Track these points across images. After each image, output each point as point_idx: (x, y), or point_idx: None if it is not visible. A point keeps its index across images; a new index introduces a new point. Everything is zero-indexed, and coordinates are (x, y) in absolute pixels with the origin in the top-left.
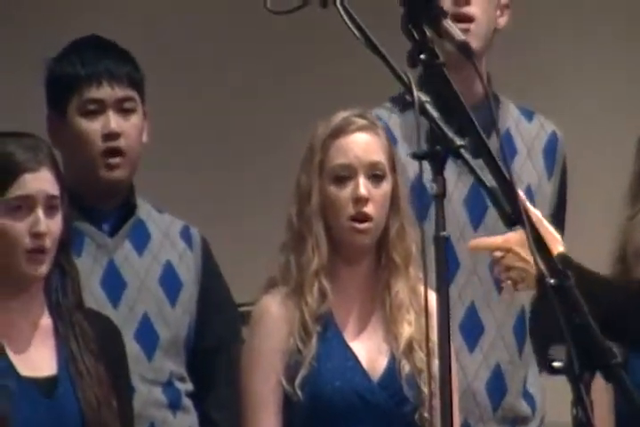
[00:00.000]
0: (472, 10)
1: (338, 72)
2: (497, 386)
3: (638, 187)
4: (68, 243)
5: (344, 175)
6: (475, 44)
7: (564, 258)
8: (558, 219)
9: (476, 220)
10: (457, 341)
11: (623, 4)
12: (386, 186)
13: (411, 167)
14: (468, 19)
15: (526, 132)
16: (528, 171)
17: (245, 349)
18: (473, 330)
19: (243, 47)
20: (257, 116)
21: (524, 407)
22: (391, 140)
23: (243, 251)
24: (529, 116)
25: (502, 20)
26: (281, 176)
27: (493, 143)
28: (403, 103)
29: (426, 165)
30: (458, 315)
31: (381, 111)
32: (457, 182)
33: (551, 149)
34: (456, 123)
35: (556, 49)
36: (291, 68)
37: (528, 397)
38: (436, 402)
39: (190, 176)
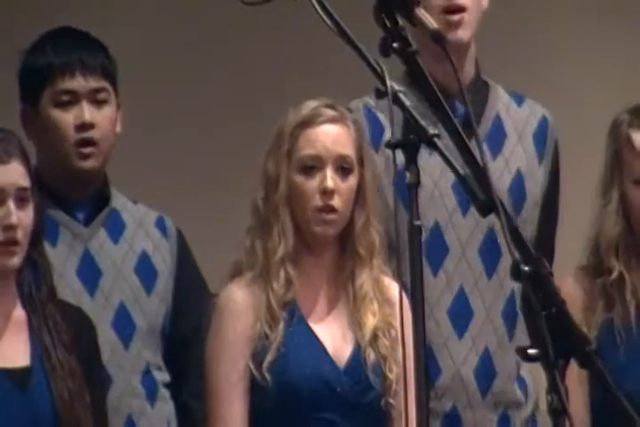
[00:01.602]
0: (464, 0)
1: (318, 65)
2: (485, 370)
3: (610, 176)
4: (41, 235)
5: (312, 166)
6: (467, 33)
7: None
8: (551, 202)
9: (465, 204)
10: (446, 327)
11: None
12: (352, 179)
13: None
14: (462, 9)
15: (516, 117)
16: (518, 155)
17: (212, 335)
18: (462, 315)
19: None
20: (232, 106)
21: (517, 392)
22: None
23: (218, 242)
24: (519, 100)
25: (485, 1)
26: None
27: (484, 128)
28: (376, 92)
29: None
30: (446, 301)
31: (369, 101)
32: (444, 168)
33: (542, 133)
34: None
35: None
36: (271, 61)
37: (521, 381)
38: (401, 388)
39: (161, 168)
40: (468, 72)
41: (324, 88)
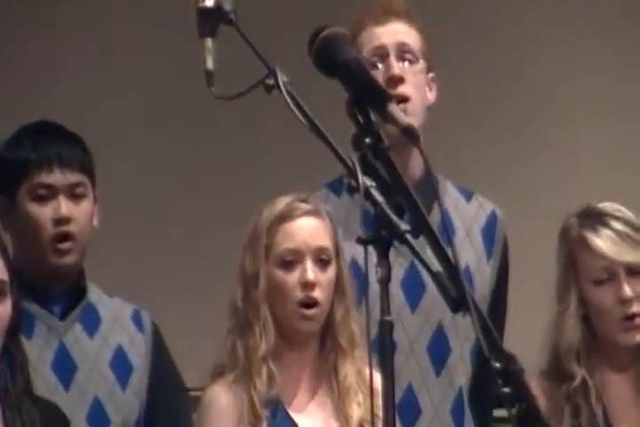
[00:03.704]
0: (407, 89)
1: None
2: None
3: (565, 280)
4: (18, 329)
5: (291, 260)
6: (414, 121)
7: None
8: (498, 299)
9: (414, 302)
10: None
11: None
12: (331, 271)
13: (347, 250)
14: (405, 99)
15: (464, 212)
16: (467, 251)
17: None
18: (410, 412)
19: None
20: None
21: None
22: None
23: (193, 335)
24: (467, 195)
25: (431, 96)
26: (231, 262)
27: (435, 222)
28: (348, 188)
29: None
30: (395, 397)
31: (318, 199)
32: (394, 264)
33: (490, 229)
34: (395, 204)
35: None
36: (239, 150)
37: None
38: None
39: (139, 259)
40: (417, 165)
41: (295, 180)
